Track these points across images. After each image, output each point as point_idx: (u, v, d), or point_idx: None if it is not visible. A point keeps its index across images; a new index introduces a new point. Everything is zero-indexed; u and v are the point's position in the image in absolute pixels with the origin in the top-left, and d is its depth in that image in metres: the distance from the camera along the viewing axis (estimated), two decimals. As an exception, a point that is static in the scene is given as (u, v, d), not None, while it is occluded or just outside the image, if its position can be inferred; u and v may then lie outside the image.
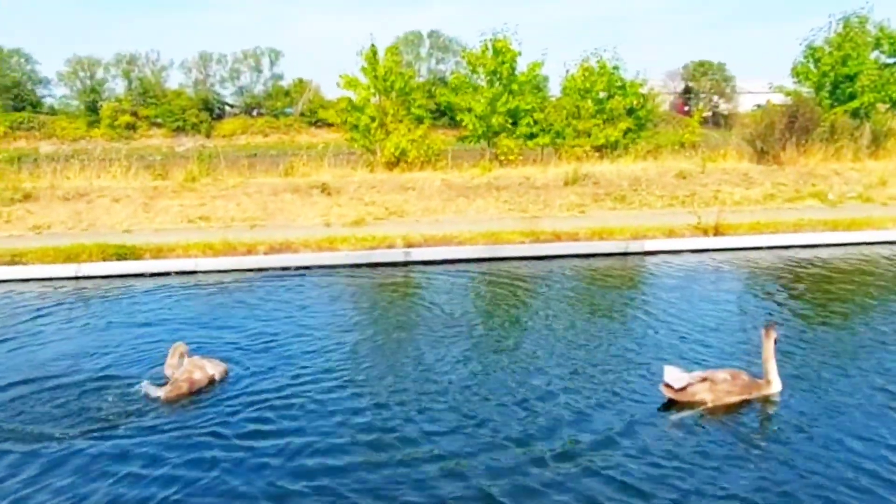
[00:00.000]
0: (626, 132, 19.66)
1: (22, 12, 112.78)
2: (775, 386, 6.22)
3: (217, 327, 8.47)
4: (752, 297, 10.00)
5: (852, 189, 17.26)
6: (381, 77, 18.37)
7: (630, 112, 19.64)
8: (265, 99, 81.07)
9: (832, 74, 19.69)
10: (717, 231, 13.19)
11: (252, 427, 5.71)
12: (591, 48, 21.35)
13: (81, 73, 75.72)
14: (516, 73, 18.92)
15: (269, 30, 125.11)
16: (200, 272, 11.43)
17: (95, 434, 5.56)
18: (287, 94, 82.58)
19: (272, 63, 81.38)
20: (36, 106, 75.51)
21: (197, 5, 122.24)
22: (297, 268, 11.60)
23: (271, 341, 7.85)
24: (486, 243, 12.59)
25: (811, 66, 20.40)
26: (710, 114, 75.66)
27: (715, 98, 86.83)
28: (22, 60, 75.45)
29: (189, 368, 6.49)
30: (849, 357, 7.19)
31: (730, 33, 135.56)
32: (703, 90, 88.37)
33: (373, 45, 18.61)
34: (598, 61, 19.73)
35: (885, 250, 12.69)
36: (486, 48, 18.98)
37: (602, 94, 19.57)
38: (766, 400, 6.15)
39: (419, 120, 18.86)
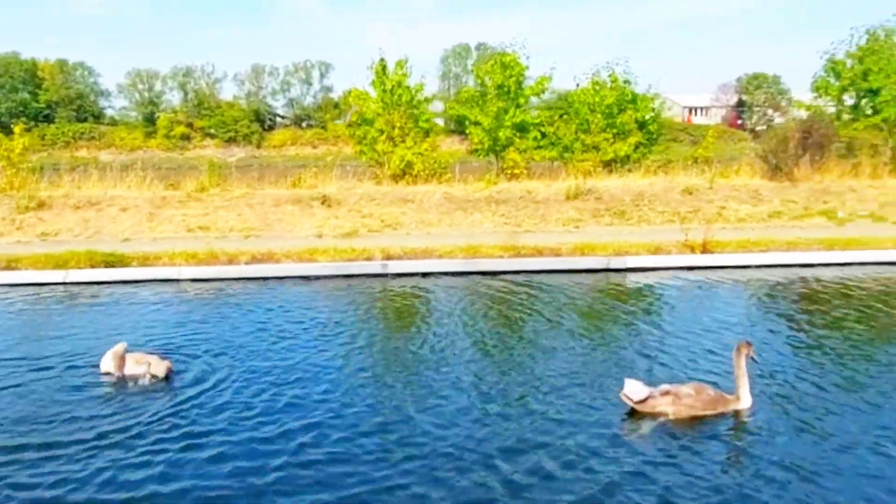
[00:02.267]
0: (637, 147, 19.44)
1: (86, 26, 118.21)
2: (745, 402, 6.30)
3: (181, 331, 8.81)
4: (728, 315, 9.80)
5: (866, 207, 16.67)
6: (388, 90, 18.66)
7: (641, 126, 19.41)
8: (315, 111, 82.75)
9: (852, 89, 19.09)
10: (705, 249, 12.95)
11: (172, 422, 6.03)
12: (604, 62, 20.88)
13: (140, 86, 78.90)
14: (523, 86, 18.98)
15: (325, 42, 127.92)
16: (183, 280, 11.83)
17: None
18: (336, 105, 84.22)
19: (322, 76, 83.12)
20: (98, 117, 78.91)
21: (254, 19, 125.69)
22: (275, 278, 11.90)
23: (229, 346, 8.17)
24: (465, 257, 12.66)
25: (831, 80, 19.82)
26: (764, 127, 73.81)
27: (770, 111, 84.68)
28: (85, 73, 79.06)
29: (130, 361, 7.15)
30: (821, 374, 7.12)
31: (786, 45, 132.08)
32: (757, 103, 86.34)
33: (382, 59, 18.95)
34: (609, 75, 19.61)
35: (882, 271, 12.26)
36: (496, 62, 19.11)
37: (614, 108, 19.38)
38: (736, 415, 6.21)
39: (426, 133, 19.06)
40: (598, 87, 19.44)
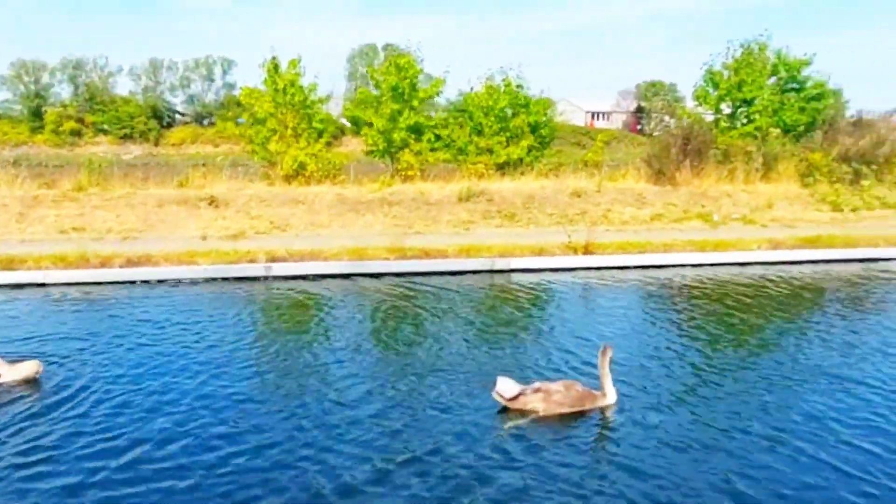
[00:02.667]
0: (530, 150, 19.86)
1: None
2: (610, 397, 6.56)
3: (41, 339, 8.33)
4: (604, 313, 10.14)
5: (739, 211, 17.65)
6: (281, 89, 18.32)
7: (534, 130, 19.84)
8: (217, 108, 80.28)
9: (728, 98, 20.21)
10: (587, 250, 13.36)
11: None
12: (497, 66, 21.20)
13: (26, 78, 74.39)
14: (417, 88, 19.03)
15: (230, 38, 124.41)
16: (50, 284, 11.20)
17: None
18: (239, 103, 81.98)
19: (225, 72, 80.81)
20: (-23, 110, 73.86)
21: (152, 11, 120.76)
22: (151, 282, 11.45)
23: (87, 350, 7.80)
24: (351, 259, 12.57)
25: (710, 90, 20.91)
26: (661, 133, 76.98)
27: (666, 118, 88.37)
28: (-38, 62, 73.79)
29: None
30: (684, 368, 7.38)
31: (681, 54, 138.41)
32: (654, 110, 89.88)
33: (273, 58, 18.59)
34: (503, 79, 19.96)
35: (746, 271, 12.99)
36: (390, 63, 19.09)
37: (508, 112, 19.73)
38: (603, 410, 6.43)
39: (320, 133, 18.81)
40: (491, 92, 19.72)
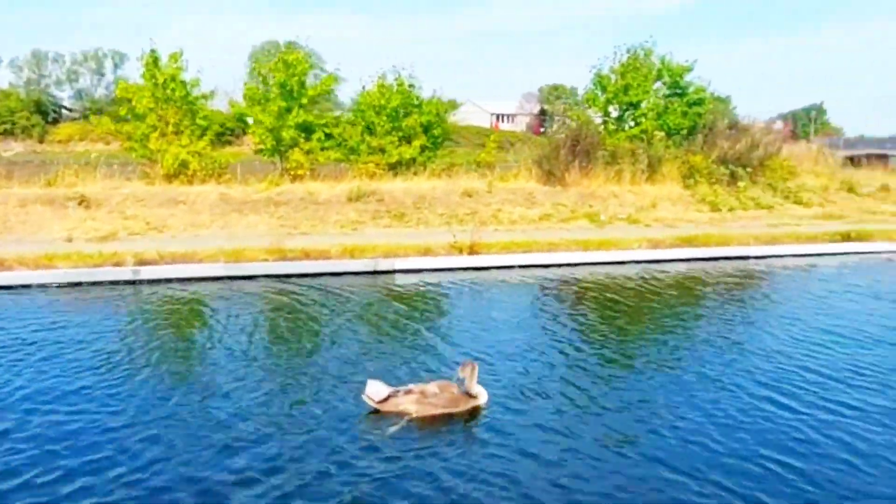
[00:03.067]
0: (423, 150, 19.73)
1: None
2: (482, 398, 6.44)
3: None
4: (486, 313, 10.07)
5: (625, 211, 18.14)
6: (161, 84, 17.43)
7: (426, 130, 19.73)
8: (108, 104, 76.32)
9: (615, 102, 20.77)
10: (472, 250, 13.33)
11: None
12: (390, 66, 20.92)
13: None
14: (306, 86, 18.54)
15: (125, 32, 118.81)
16: None
17: None
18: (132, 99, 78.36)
19: (116, 66, 76.91)
20: None
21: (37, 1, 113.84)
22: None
23: None
24: (228, 261, 12.04)
25: (599, 93, 21.44)
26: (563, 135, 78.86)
27: (567, 120, 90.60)
28: None
29: None
30: (558, 367, 7.32)
31: (586, 59, 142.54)
32: (557, 113, 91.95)
33: (153, 51, 17.65)
34: (396, 79, 19.73)
35: (628, 269, 13.29)
36: (279, 60, 18.50)
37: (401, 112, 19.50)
38: (476, 411, 6.30)
39: (204, 131, 18.03)
40: (384, 91, 19.47)
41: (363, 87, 19.77)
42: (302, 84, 18.43)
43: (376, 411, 6.17)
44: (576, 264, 13.45)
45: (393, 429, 5.94)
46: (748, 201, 19.56)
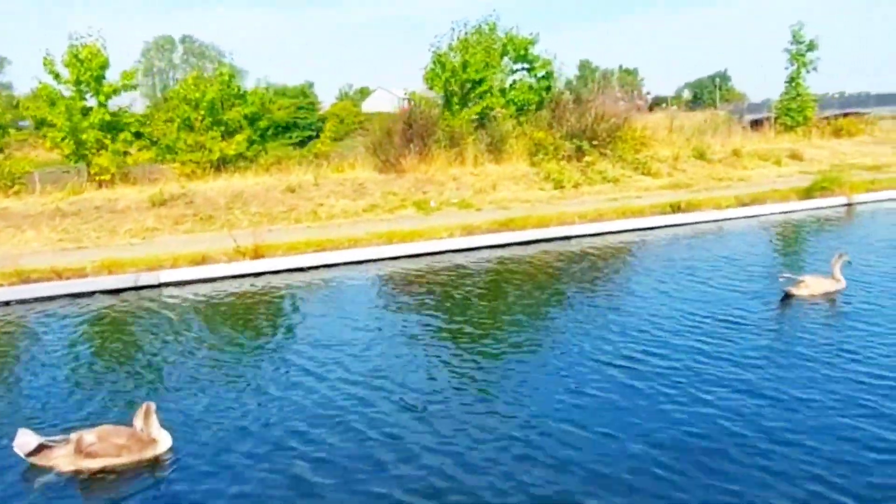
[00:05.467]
0: (252, 144, 18.31)
1: None
2: (163, 444, 5.45)
3: None
4: (252, 330, 8.92)
5: (462, 195, 17.15)
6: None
7: (252, 123, 18.30)
8: (-15, 112, 71.42)
9: (453, 81, 19.69)
10: (257, 254, 12.05)
11: None
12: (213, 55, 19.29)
13: None
14: (103, 83, 16.79)
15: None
16: None
17: None
18: (16, 105, 73.40)
19: (-2, 70, 71.86)
20: None
21: None
22: None
23: None
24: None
25: (439, 71, 20.33)
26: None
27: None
28: None
29: None
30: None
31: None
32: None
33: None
34: (216, 68, 18.22)
35: (429, 261, 12.28)
36: (70, 55, 16.66)
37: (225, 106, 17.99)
38: (156, 461, 5.31)
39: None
40: (199, 83, 17.89)
41: (175, 81, 18.11)
42: (99, 80, 16.68)
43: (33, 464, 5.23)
44: (375, 260, 12.36)
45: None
46: (595, 175, 18.86)
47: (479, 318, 8.79)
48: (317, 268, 11.95)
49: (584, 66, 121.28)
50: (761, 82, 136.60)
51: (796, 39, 25.85)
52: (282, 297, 10.58)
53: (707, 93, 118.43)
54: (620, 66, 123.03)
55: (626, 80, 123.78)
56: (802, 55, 25.98)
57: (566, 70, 22.01)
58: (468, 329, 8.32)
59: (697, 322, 8.08)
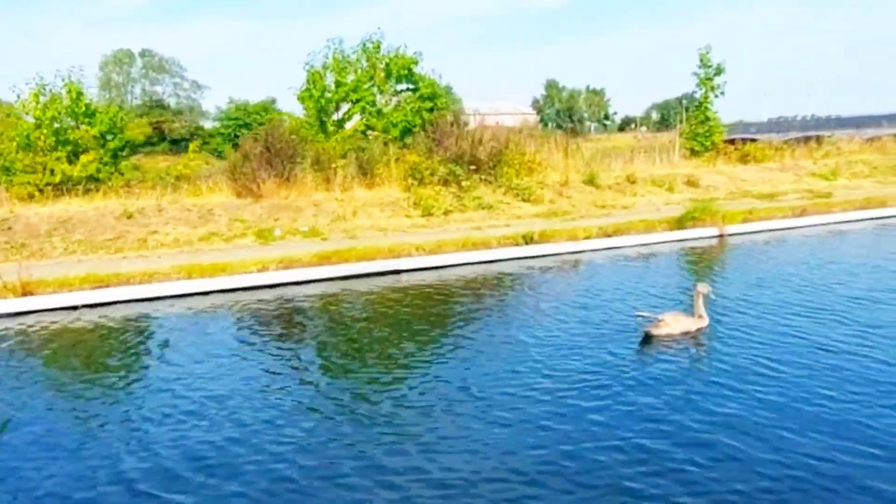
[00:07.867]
0: (104, 165, 17.13)
1: None
2: None
3: None
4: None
5: (315, 222, 16.12)
6: None
7: (104, 143, 17.15)
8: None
9: (323, 101, 18.70)
10: (25, 290, 10.87)
11: None
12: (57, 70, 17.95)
13: None
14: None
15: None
16: None
17: None
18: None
19: None
20: None
21: None
22: None
23: None
24: None
25: (312, 90, 19.34)
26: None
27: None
28: None
29: None
30: None
31: (466, 58, 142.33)
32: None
33: None
34: (64, 85, 17.04)
35: (233, 298, 11.20)
36: None
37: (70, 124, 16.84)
38: None
39: None
40: (41, 99, 16.71)
41: (17, 97, 16.91)
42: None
43: None
44: (164, 297, 11.22)
45: None
46: (471, 202, 17.93)
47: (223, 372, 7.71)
48: (92, 306, 10.80)
49: (552, 85, 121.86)
50: (730, 105, 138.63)
51: (704, 64, 25.28)
52: (42, 339, 9.41)
53: (674, 114, 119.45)
54: (588, 87, 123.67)
55: (592, 100, 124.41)
56: (710, 79, 25.41)
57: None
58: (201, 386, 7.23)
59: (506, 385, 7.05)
